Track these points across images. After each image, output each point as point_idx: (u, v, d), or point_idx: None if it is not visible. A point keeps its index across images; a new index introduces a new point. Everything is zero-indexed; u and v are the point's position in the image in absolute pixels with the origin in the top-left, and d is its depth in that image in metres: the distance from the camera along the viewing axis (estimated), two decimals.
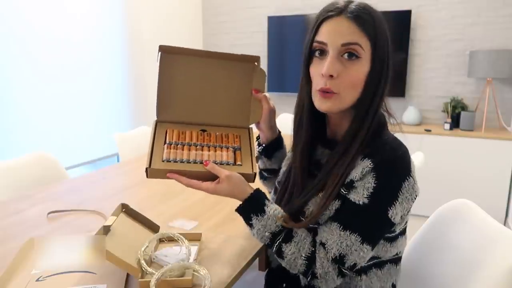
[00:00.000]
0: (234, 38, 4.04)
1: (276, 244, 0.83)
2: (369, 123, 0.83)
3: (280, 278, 0.97)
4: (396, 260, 0.94)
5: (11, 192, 1.54)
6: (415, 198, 0.83)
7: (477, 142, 2.89)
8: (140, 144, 2.18)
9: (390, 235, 0.88)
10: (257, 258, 1.00)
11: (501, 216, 2.88)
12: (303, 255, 0.82)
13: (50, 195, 1.42)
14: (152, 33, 3.49)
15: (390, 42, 0.83)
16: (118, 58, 3.14)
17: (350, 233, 0.79)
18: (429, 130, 3.05)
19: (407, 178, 0.80)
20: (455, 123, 3.11)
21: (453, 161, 2.97)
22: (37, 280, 0.84)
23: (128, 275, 0.86)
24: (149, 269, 0.83)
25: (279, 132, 1.07)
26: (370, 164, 0.79)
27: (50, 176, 1.73)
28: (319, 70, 0.82)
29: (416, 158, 1.77)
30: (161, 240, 1.01)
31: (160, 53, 0.91)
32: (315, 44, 0.82)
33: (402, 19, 3.22)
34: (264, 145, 1.07)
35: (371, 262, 0.89)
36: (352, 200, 0.80)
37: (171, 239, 0.96)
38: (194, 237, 1.02)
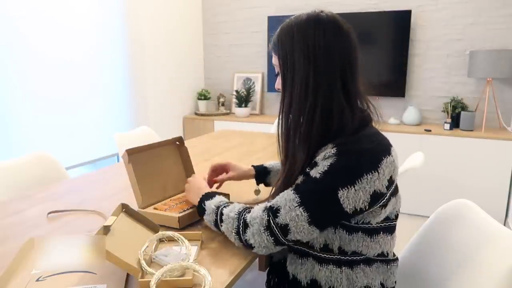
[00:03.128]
0: (234, 38, 4.04)
1: (219, 211, 0.98)
2: (299, 121, 0.90)
3: (281, 274, 0.98)
4: (387, 261, 0.95)
5: (11, 192, 1.54)
6: (373, 193, 0.83)
7: (477, 142, 2.89)
8: (140, 144, 2.18)
9: (367, 226, 0.89)
10: (257, 258, 1.00)
11: (501, 216, 2.88)
12: (236, 210, 0.94)
13: (50, 195, 1.42)
14: (152, 33, 3.49)
15: (301, 46, 0.88)
16: (118, 58, 3.14)
17: (293, 193, 0.86)
18: (429, 130, 3.05)
19: (372, 171, 0.82)
20: (455, 123, 3.11)
21: (453, 161, 2.97)
22: (37, 280, 0.84)
23: (128, 275, 0.86)
24: (149, 269, 0.83)
25: (253, 168, 1.29)
26: (334, 150, 0.84)
27: (50, 176, 1.73)
28: None
29: (416, 158, 1.77)
30: (161, 240, 1.01)
31: (128, 155, 1.14)
32: None
33: (402, 19, 3.22)
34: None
35: (359, 258, 0.90)
36: (310, 174, 0.87)
37: (171, 239, 0.96)
38: (194, 237, 1.02)
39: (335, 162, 0.83)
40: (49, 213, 1.24)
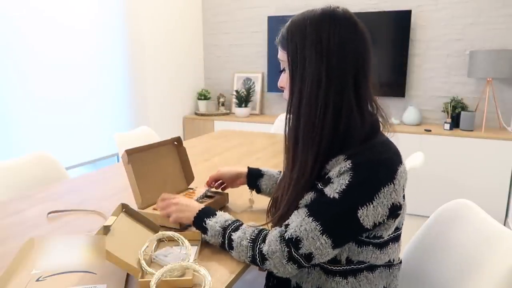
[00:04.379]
0: (234, 38, 4.04)
1: (227, 235, 0.92)
2: (306, 123, 0.86)
3: (281, 279, 0.98)
4: (390, 265, 0.93)
5: (11, 192, 1.54)
6: (391, 206, 0.81)
7: (477, 142, 2.89)
8: (140, 144, 2.18)
9: (378, 241, 0.87)
10: None
11: (501, 216, 2.88)
12: (248, 237, 0.89)
13: (50, 195, 1.42)
14: (152, 33, 3.49)
15: (314, 40, 0.84)
16: (118, 58, 3.14)
17: (312, 220, 0.82)
18: (429, 130, 3.05)
19: (388, 183, 0.80)
20: (455, 123, 3.11)
21: (453, 161, 2.97)
22: (37, 280, 0.84)
23: (128, 275, 0.86)
24: (149, 269, 0.83)
25: (248, 170, 1.25)
26: (349, 164, 0.81)
27: (50, 176, 1.73)
28: None
29: (416, 158, 1.77)
30: (161, 240, 1.01)
31: (127, 156, 1.14)
32: None
33: (402, 19, 3.22)
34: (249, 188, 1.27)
35: (362, 266, 0.88)
36: (325, 192, 0.83)
37: (171, 239, 0.96)
38: (194, 237, 1.02)
39: (352, 178, 0.79)
40: (49, 213, 1.24)
